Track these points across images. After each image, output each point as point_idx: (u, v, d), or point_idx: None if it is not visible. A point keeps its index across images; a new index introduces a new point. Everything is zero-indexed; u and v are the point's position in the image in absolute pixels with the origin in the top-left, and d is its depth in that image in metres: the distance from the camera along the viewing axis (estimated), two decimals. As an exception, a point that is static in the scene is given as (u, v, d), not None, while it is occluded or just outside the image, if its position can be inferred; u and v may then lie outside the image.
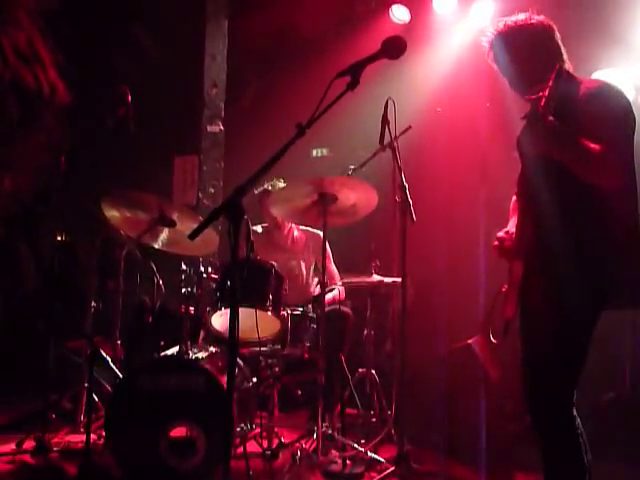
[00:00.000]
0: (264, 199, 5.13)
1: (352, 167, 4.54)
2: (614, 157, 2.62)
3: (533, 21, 2.93)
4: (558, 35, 2.94)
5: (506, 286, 2.95)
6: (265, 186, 5.21)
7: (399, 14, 6.54)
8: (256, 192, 5.22)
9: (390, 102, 4.30)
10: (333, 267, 5.37)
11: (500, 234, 3.02)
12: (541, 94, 2.54)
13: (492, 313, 3.17)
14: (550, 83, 2.52)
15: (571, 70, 2.92)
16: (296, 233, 5.48)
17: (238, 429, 3.88)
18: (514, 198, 3.16)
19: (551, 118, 2.51)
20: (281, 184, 5.11)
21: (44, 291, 5.34)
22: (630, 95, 3.08)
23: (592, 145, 2.59)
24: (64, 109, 1.04)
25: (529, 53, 2.89)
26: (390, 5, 6.53)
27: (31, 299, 5.58)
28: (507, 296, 2.92)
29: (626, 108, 2.74)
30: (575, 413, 2.72)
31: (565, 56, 2.92)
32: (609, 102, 2.72)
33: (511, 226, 3.05)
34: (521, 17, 2.95)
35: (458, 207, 5.99)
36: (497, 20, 3.03)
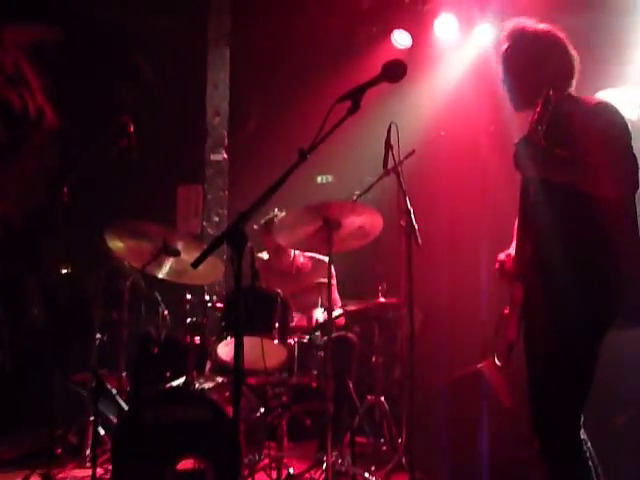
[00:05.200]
0: (265, 231, 5.14)
1: (357, 193, 4.53)
2: (622, 165, 2.59)
3: (538, 33, 2.89)
4: (566, 48, 2.89)
5: (508, 308, 2.92)
6: (269, 215, 5.19)
7: (401, 39, 6.56)
8: (256, 227, 5.21)
9: (393, 127, 4.28)
10: (336, 295, 5.31)
11: (501, 257, 3.04)
12: (531, 118, 2.54)
13: (496, 336, 3.14)
14: (537, 109, 2.51)
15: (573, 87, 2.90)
16: (302, 259, 5.45)
17: (246, 460, 3.82)
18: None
19: (542, 142, 2.50)
20: (282, 214, 5.03)
21: (49, 323, 5.31)
22: (633, 114, 3.05)
23: (592, 159, 2.57)
24: (55, 134, 1.02)
25: (523, 70, 2.87)
26: (392, 30, 6.55)
27: (36, 332, 5.54)
28: (509, 318, 2.89)
29: (624, 125, 2.72)
30: (583, 436, 2.66)
31: (575, 69, 2.88)
32: (607, 118, 2.71)
33: (512, 249, 3.04)
34: (529, 26, 2.91)
35: (462, 231, 5.98)
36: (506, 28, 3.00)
